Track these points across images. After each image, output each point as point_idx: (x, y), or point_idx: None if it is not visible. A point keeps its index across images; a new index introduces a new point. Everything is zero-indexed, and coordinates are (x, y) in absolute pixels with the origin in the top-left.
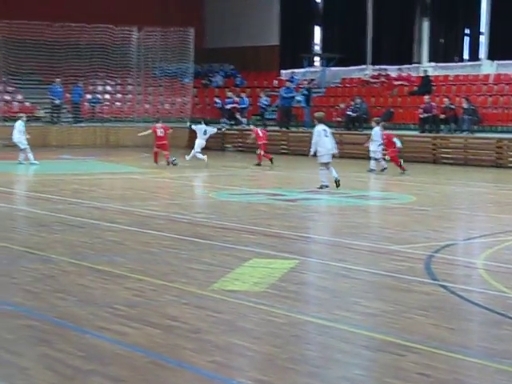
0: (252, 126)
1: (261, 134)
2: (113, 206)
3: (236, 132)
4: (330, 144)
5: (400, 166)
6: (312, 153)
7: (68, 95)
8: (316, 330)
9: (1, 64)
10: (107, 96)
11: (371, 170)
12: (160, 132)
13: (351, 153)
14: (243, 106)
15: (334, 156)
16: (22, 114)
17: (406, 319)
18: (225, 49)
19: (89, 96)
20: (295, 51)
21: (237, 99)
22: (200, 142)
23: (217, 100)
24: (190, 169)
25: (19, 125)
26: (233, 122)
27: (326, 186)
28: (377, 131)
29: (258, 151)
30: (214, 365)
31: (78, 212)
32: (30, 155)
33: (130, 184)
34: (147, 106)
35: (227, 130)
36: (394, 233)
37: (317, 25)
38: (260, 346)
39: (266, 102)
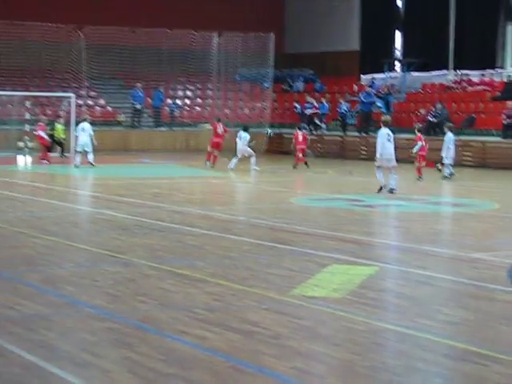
0: (297, 131)
1: (300, 139)
2: (193, 210)
3: (315, 137)
4: (391, 149)
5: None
6: (378, 155)
7: (149, 100)
8: (396, 338)
9: (84, 69)
10: (187, 101)
11: (445, 177)
12: (220, 130)
13: (432, 159)
14: (323, 111)
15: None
16: (87, 116)
17: (489, 328)
18: (304, 54)
19: (169, 101)
20: (375, 56)
21: (316, 104)
22: (243, 149)
23: (296, 105)
24: (269, 173)
25: (89, 127)
26: (312, 128)
27: (394, 190)
28: (450, 137)
29: (297, 154)
30: (295, 371)
31: (159, 216)
32: (92, 156)
33: (209, 188)
34: (227, 110)
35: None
36: (477, 240)
37: (398, 29)
38: (340, 352)
39: (345, 108)
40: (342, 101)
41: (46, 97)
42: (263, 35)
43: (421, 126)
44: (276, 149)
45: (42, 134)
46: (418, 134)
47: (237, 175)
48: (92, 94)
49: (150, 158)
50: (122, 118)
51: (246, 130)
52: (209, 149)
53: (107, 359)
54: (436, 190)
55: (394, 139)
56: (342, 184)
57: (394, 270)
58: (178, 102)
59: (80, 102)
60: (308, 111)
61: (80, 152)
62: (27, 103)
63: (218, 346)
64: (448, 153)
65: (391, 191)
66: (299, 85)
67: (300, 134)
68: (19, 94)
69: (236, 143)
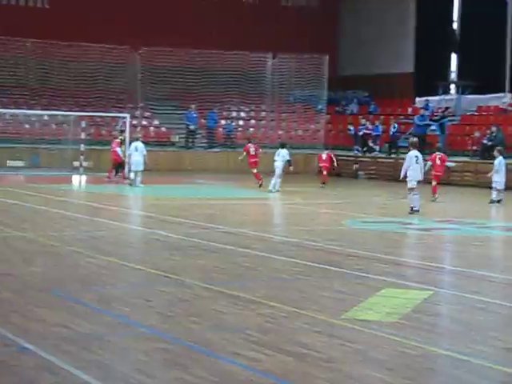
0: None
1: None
2: (246, 231)
3: (369, 159)
4: (419, 171)
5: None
6: (402, 176)
7: (203, 121)
8: (451, 364)
9: (139, 90)
10: (241, 122)
11: (492, 201)
12: (252, 151)
13: (485, 182)
14: (377, 133)
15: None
16: (139, 135)
17: None
18: (358, 76)
19: (223, 122)
20: (430, 78)
21: (370, 126)
22: (281, 166)
23: (350, 127)
24: (321, 195)
25: (143, 147)
26: (365, 149)
27: (417, 211)
28: (500, 161)
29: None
30: None
31: (212, 237)
32: (140, 178)
33: (262, 209)
34: (280, 131)
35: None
36: None
37: (453, 52)
38: (393, 377)
39: (393, 130)
40: (392, 123)
41: (101, 117)
42: (317, 57)
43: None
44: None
45: (118, 150)
46: (434, 155)
47: (287, 196)
48: (146, 114)
49: (203, 178)
50: (175, 138)
51: (283, 146)
52: (254, 171)
53: (159, 379)
54: (489, 213)
55: (422, 161)
56: (394, 207)
57: (448, 294)
58: (233, 122)
59: (134, 122)
60: (361, 132)
61: (135, 171)
62: (83, 123)
63: (270, 368)
64: (497, 177)
65: (413, 211)
66: (353, 107)
67: (324, 154)
68: (75, 114)
69: (274, 161)
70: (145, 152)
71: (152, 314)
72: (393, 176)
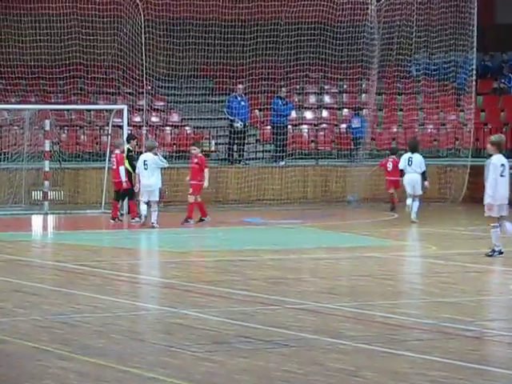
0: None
1: (390, 167)
2: (338, 307)
3: None
4: (505, 187)
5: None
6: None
7: (257, 113)
8: None
9: (144, 62)
10: (325, 113)
11: None
12: (390, 166)
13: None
14: None
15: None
16: (152, 140)
17: None
18: None
19: (294, 114)
20: None
21: None
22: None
23: None
24: (475, 240)
25: (156, 159)
26: None
27: (500, 253)
28: None
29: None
30: None
31: (279, 318)
32: (157, 212)
33: (365, 268)
34: (395, 128)
35: None
36: None
37: None
38: None
39: None
40: None
41: (80, 111)
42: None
43: None
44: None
45: (122, 169)
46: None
47: (420, 244)
48: (158, 104)
49: (260, 215)
50: (210, 145)
51: (415, 149)
52: (391, 190)
53: None
54: None
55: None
56: None
57: None
58: (309, 114)
59: (137, 119)
60: None
61: (145, 202)
62: (47, 123)
63: None
64: None
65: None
66: None
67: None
68: (33, 108)
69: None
70: (165, 164)
71: None
72: None
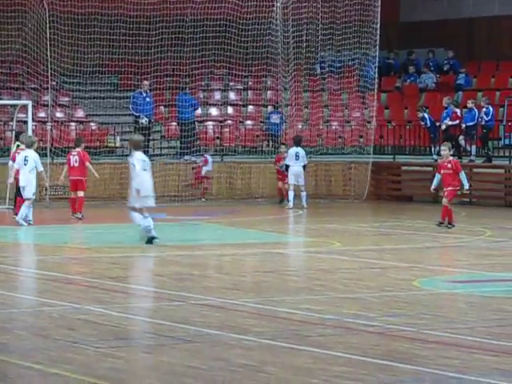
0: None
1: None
2: (242, 303)
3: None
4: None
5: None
6: None
7: (163, 108)
8: None
9: (49, 56)
10: (231, 109)
11: None
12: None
13: None
14: (471, 122)
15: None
16: (30, 136)
17: None
18: (434, 23)
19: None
20: None
21: (458, 112)
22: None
23: (423, 114)
24: (379, 236)
25: (35, 157)
26: (453, 152)
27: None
28: None
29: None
30: None
31: (182, 314)
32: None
33: (269, 264)
34: (300, 125)
35: None
36: None
37: None
38: None
39: (487, 115)
40: (484, 103)
41: None
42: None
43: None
44: (386, 193)
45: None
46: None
47: (324, 240)
48: (63, 99)
49: (166, 211)
50: (115, 141)
51: (299, 143)
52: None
53: None
54: None
55: None
56: (501, 254)
57: None
58: (215, 111)
59: (42, 114)
60: (445, 124)
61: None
62: None
63: None
64: None
65: None
66: (427, 78)
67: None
68: None
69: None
70: (40, 168)
71: None
72: (504, 198)
